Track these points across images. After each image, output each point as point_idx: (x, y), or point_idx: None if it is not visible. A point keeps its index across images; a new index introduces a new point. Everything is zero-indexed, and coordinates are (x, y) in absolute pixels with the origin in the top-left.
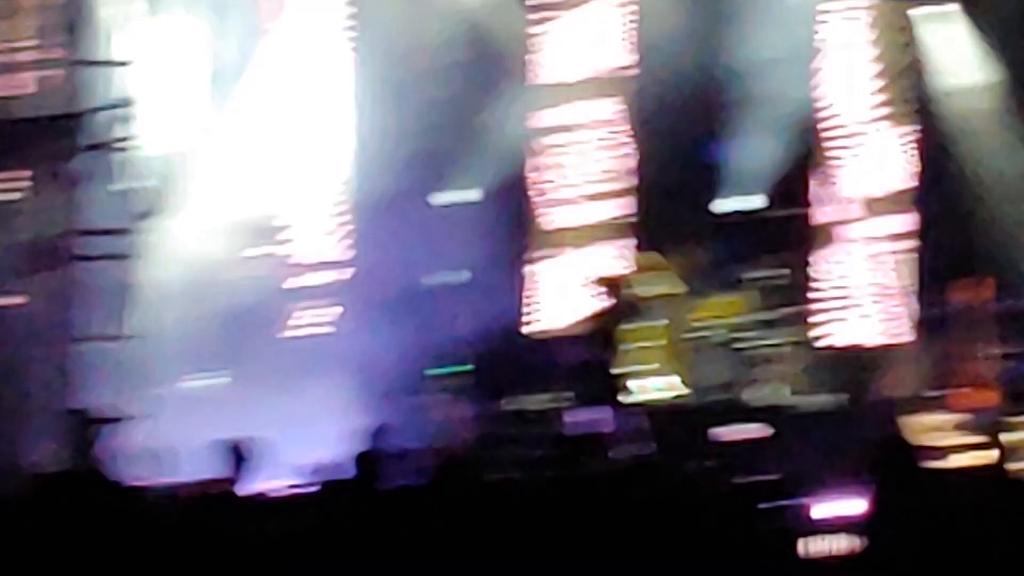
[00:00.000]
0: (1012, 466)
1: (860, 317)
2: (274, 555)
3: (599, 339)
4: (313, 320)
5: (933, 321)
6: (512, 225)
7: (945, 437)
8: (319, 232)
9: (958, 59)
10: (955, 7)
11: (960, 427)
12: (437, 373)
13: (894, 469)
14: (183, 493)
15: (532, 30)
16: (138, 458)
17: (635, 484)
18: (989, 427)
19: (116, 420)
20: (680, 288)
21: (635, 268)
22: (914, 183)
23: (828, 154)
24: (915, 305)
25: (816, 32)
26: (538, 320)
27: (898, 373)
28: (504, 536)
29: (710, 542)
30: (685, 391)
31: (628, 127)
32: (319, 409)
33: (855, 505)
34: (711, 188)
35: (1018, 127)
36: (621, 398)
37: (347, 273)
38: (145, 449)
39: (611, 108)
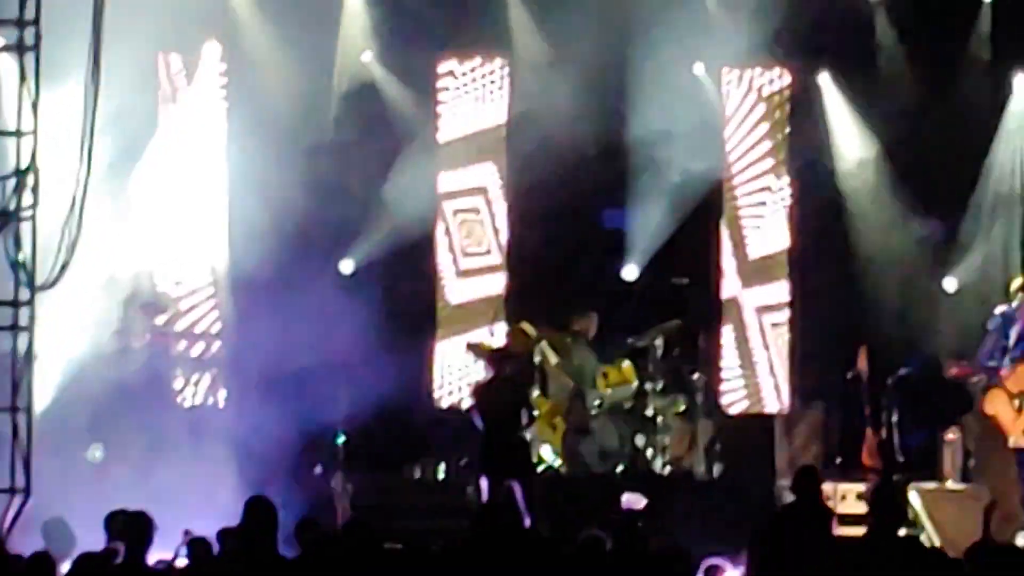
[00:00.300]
0: (900, 531)
1: (752, 385)
2: None
3: (496, 410)
4: (200, 392)
5: (820, 389)
6: (409, 295)
7: (835, 503)
8: (207, 305)
9: (843, 132)
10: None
11: (848, 494)
12: (334, 442)
13: (782, 535)
14: (74, 564)
15: (424, 103)
16: (28, 529)
17: (531, 552)
18: (876, 493)
19: (6, 491)
20: (575, 358)
21: (530, 339)
22: (801, 254)
23: (722, 224)
24: (803, 373)
25: (712, 104)
26: (437, 390)
27: (787, 440)
28: None
29: None
30: (581, 459)
31: (523, 196)
32: (206, 480)
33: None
34: (605, 256)
35: (896, 200)
36: (519, 467)
37: (235, 345)
38: (35, 520)
39: (504, 177)
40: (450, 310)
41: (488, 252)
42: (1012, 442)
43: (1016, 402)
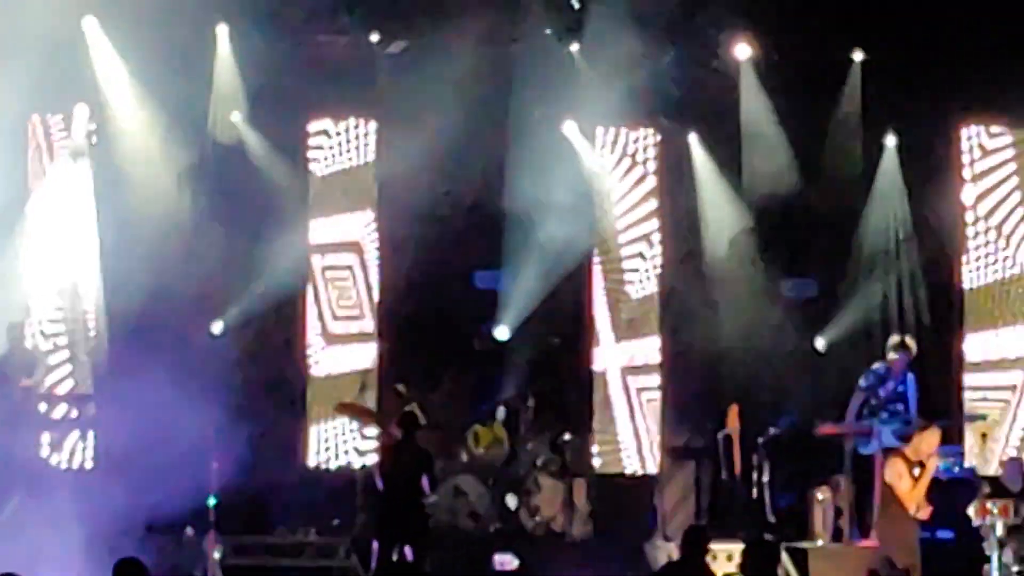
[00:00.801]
0: None
1: (623, 445)
2: None
3: (398, 473)
4: (69, 453)
5: (690, 449)
6: (280, 360)
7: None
8: (78, 364)
9: (712, 194)
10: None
11: (719, 554)
12: (205, 504)
13: None
14: None
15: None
16: None
17: None
18: (748, 552)
19: None
20: (445, 418)
21: (403, 399)
22: (672, 314)
23: (594, 286)
24: (674, 433)
25: (586, 166)
26: (313, 454)
27: (659, 499)
28: None
29: None
30: (454, 519)
31: (395, 254)
32: (74, 542)
33: None
34: (477, 317)
35: (767, 261)
36: (417, 533)
37: (105, 406)
38: None
39: (377, 231)
40: (319, 384)
41: (359, 315)
42: (912, 512)
43: (915, 471)
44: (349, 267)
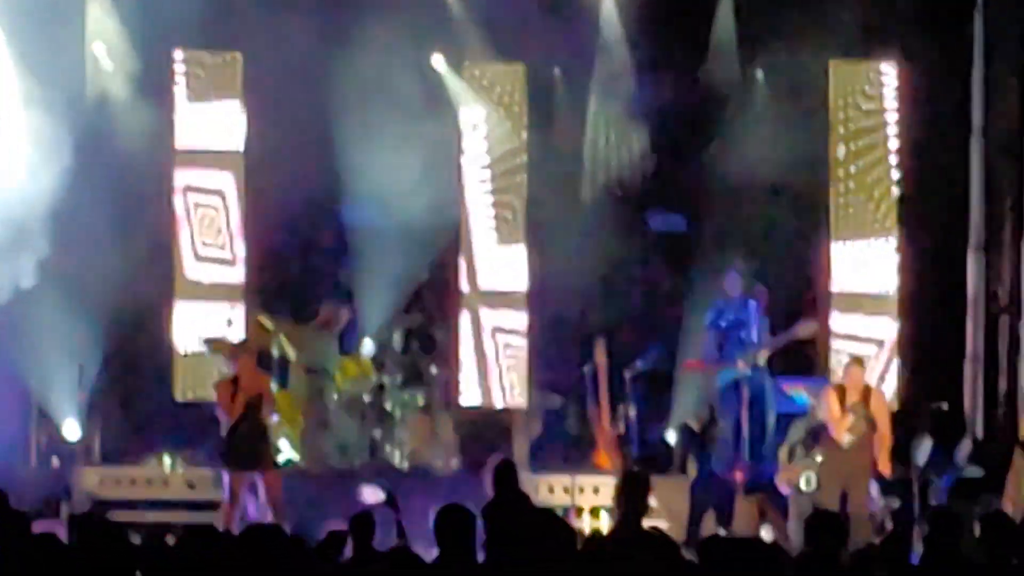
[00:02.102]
0: (643, 526)
1: (489, 379)
2: None
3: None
4: None
5: (557, 383)
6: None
7: (573, 496)
8: None
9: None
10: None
11: (586, 486)
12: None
13: (517, 530)
14: None
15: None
16: None
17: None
18: (620, 485)
19: None
20: (315, 351)
21: (268, 332)
22: (540, 248)
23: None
24: (540, 367)
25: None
26: (181, 387)
27: (523, 436)
28: None
29: None
30: (320, 453)
31: (261, 197)
32: None
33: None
34: (339, 250)
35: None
36: (259, 461)
37: None
38: None
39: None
40: (187, 317)
41: (226, 251)
42: (838, 439)
43: (847, 402)
44: (215, 203)
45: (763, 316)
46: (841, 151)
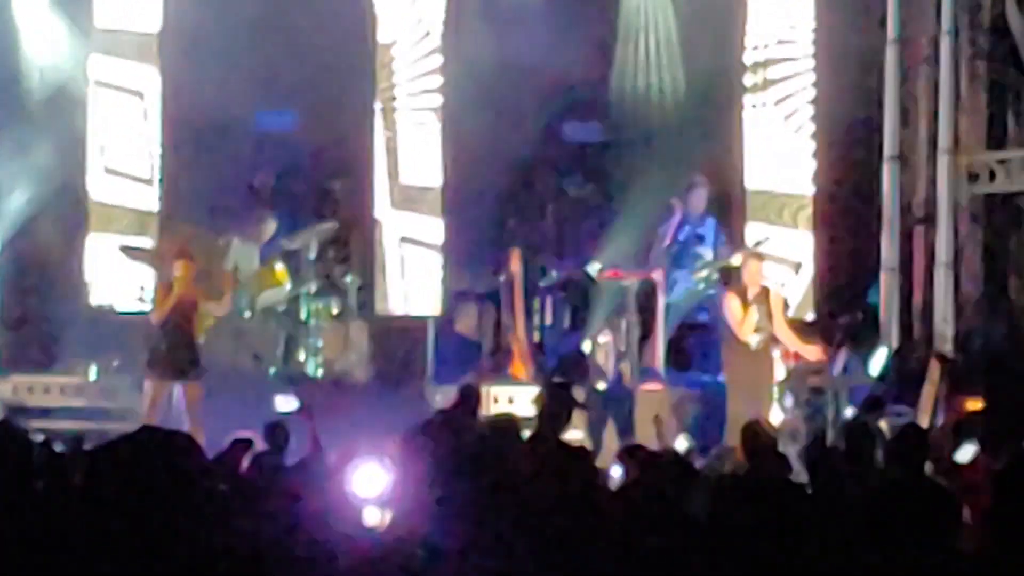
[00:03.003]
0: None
1: (404, 287)
2: None
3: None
4: None
5: (472, 292)
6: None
7: (488, 405)
8: None
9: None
10: None
11: (500, 396)
12: None
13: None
14: None
15: None
16: None
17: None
18: (542, 396)
19: None
20: (228, 261)
21: (182, 243)
22: (455, 156)
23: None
24: (456, 276)
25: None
26: (95, 294)
27: (438, 344)
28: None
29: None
30: (235, 361)
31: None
32: None
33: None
34: (256, 158)
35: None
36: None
37: None
38: None
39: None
40: (101, 223)
41: (142, 158)
42: (744, 340)
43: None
44: (132, 108)
45: (720, 233)
46: (752, 56)
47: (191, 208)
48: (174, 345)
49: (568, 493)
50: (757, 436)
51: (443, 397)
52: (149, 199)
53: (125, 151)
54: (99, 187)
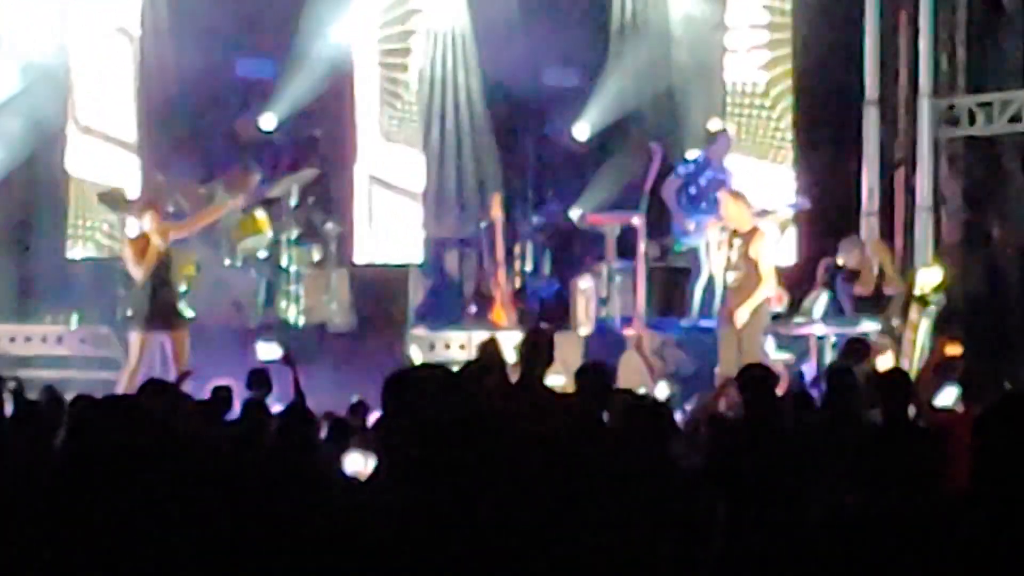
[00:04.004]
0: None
1: (385, 234)
2: None
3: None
4: None
5: (454, 238)
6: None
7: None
8: None
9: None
10: None
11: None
12: None
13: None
14: None
15: None
16: None
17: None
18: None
19: None
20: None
21: (163, 189)
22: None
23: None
24: (437, 222)
25: None
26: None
27: (420, 289)
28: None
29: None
30: (215, 310)
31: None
32: None
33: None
34: (241, 105)
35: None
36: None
37: None
38: None
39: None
40: (79, 170)
41: (120, 103)
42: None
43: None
44: (111, 54)
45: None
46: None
47: (172, 157)
48: (155, 297)
49: (551, 437)
50: (758, 380)
51: (427, 344)
52: (129, 147)
53: (104, 100)
54: (78, 134)
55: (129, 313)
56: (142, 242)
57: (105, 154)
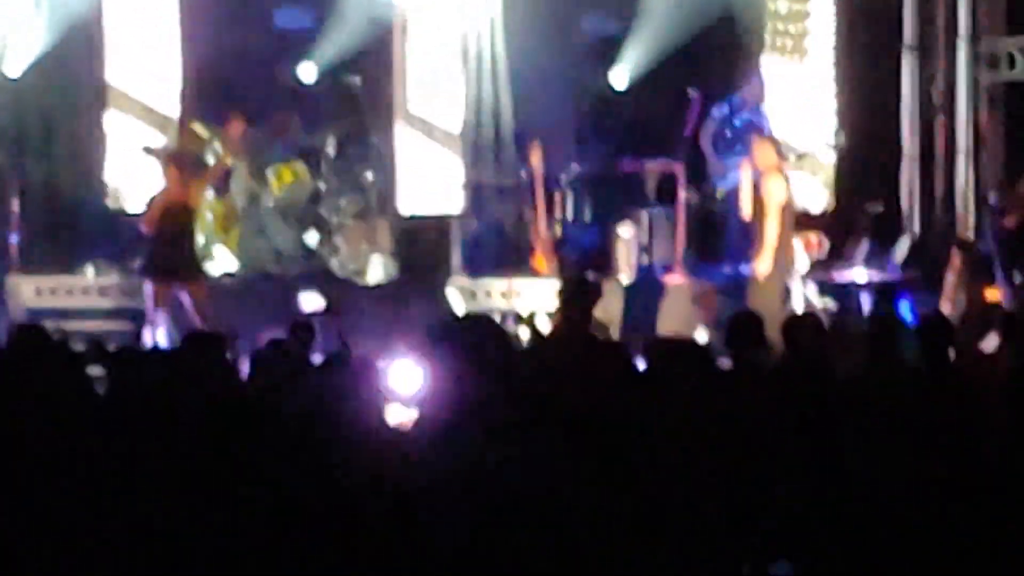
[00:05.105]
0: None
1: (424, 186)
2: None
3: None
4: None
5: (490, 191)
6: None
7: (510, 300)
8: None
9: None
10: None
11: (524, 289)
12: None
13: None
14: None
15: None
16: None
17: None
18: (566, 288)
19: None
20: (243, 158)
21: (203, 140)
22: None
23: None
24: (477, 172)
25: None
26: (115, 197)
27: (461, 240)
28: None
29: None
30: (256, 260)
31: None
32: None
33: (416, 376)
34: (280, 56)
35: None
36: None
37: None
38: None
39: None
40: (119, 126)
41: (159, 56)
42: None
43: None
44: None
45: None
46: None
47: (209, 106)
48: (164, 249)
49: (595, 384)
50: (804, 329)
51: (468, 293)
52: (170, 97)
53: (143, 51)
54: (119, 83)
55: (143, 265)
56: (162, 195)
57: (143, 109)
